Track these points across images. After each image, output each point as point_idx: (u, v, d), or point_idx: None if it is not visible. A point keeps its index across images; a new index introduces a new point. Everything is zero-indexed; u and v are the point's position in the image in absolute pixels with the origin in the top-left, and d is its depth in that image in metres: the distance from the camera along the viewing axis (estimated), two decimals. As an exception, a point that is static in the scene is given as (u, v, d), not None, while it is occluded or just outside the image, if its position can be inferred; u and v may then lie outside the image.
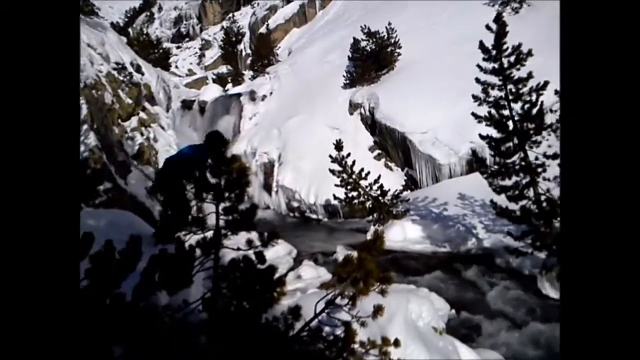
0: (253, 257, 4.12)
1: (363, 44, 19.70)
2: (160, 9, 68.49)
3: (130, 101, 19.96)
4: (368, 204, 12.31)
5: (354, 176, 12.16)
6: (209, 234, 4.27)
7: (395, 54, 19.39)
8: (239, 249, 4.26)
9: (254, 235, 4.30)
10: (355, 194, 12.25)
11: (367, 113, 18.08)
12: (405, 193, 13.80)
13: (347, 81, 20.05)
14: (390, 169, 16.60)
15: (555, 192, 8.05)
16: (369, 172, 12.27)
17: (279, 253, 11.05)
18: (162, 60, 32.89)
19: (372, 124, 17.79)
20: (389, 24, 19.50)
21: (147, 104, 21.74)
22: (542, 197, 8.15)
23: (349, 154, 12.17)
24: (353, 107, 18.90)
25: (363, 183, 12.22)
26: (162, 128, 21.73)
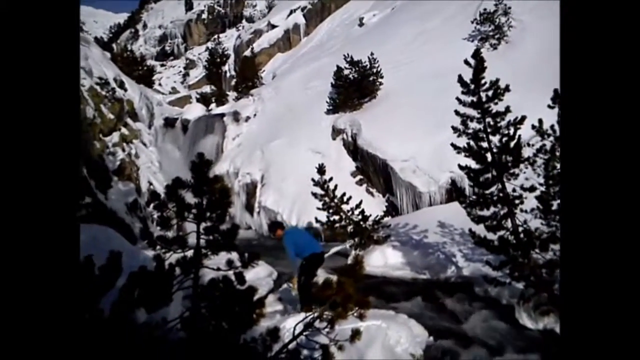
0: (233, 277, 4.10)
1: (346, 72, 20.06)
2: (145, 26, 68.81)
3: (112, 116, 19.83)
4: (349, 228, 12.35)
5: (335, 200, 12.21)
6: (189, 253, 4.25)
7: (377, 83, 19.75)
8: (219, 269, 4.23)
9: (234, 255, 4.28)
10: (337, 217, 12.29)
11: (350, 139, 18.28)
12: (386, 219, 13.90)
13: (330, 107, 20.30)
14: (372, 194, 16.72)
15: (533, 224, 8.20)
16: (350, 197, 12.35)
17: (259, 274, 10.95)
18: (145, 77, 32.86)
19: (354, 150, 17.97)
20: (372, 54, 19.92)
21: (129, 120, 21.62)
22: (520, 229, 8.28)
23: (331, 178, 12.25)
24: (336, 132, 19.10)
25: (345, 207, 12.28)
26: (144, 145, 21.59)
